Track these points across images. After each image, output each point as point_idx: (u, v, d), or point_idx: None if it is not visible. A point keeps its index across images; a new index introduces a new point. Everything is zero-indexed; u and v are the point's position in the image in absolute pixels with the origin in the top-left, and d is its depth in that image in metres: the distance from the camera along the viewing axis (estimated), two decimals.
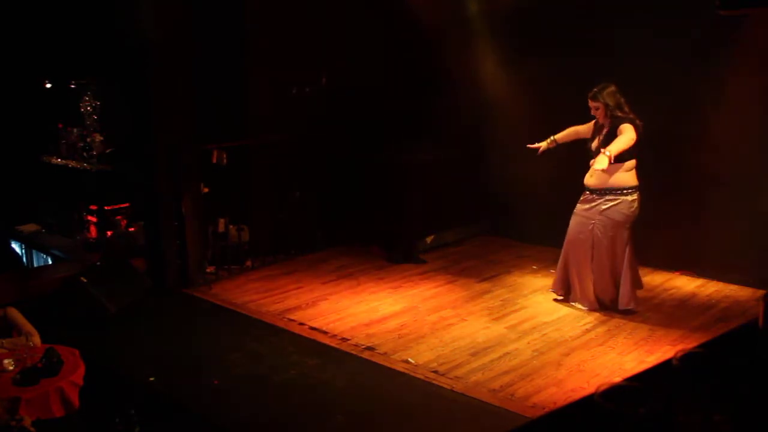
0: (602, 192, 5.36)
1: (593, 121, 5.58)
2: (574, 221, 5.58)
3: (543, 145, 5.80)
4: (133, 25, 5.97)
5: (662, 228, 6.34)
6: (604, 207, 5.37)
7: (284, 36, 6.94)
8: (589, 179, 5.42)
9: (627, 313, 5.55)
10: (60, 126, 8.20)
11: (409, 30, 7.09)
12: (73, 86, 8.24)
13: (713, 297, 6.06)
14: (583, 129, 5.69)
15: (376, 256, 7.21)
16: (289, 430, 4.12)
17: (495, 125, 7.20)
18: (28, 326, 4.55)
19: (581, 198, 5.54)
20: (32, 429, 3.56)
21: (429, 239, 7.48)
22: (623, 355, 4.92)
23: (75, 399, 3.94)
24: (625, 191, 5.32)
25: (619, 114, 5.27)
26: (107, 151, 7.76)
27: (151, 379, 4.60)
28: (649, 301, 5.94)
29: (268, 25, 6.92)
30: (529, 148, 5.83)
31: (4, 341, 4.39)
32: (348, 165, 7.40)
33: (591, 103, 5.38)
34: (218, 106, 6.79)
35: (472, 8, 7.25)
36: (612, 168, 5.17)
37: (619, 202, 5.32)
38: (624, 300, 5.52)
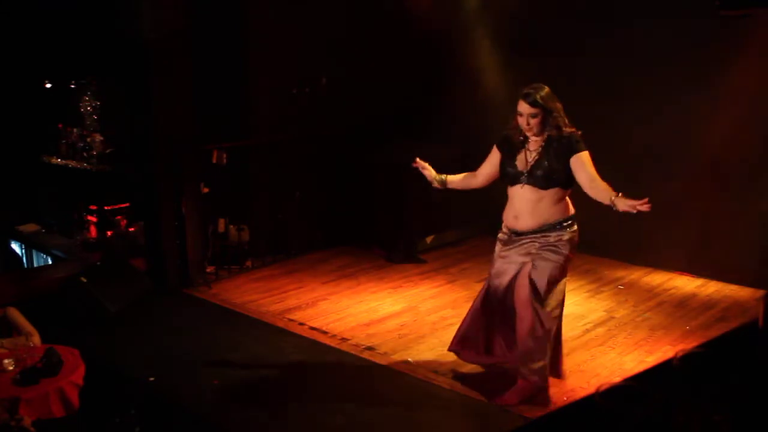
0: (538, 231, 4.02)
1: (491, 156, 4.31)
2: (500, 265, 4.19)
3: (431, 172, 4.43)
4: (133, 25, 5.97)
5: (662, 228, 6.35)
6: (540, 244, 4.01)
7: (284, 36, 6.94)
8: (516, 221, 4.07)
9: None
10: (60, 126, 8.21)
11: (410, 30, 7.09)
12: (73, 86, 8.25)
13: (713, 297, 6.06)
14: (480, 178, 4.37)
15: (376, 256, 7.21)
16: (289, 430, 4.12)
17: (495, 125, 7.19)
18: (28, 326, 4.55)
19: (503, 239, 4.21)
20: (32, 429, 3.56)
21: (429, 239, 7.48)
22: (623, 355, 4.92)
23: (75, 399, 3.93)
24: (569, 221, 4.04)
25: (565, 128, 3.96)
26: (107, 151, 7.78)
27: (151, 379, 4.59)
28: (649, 301, 5.95)
29: (269, 25, 6.91)
30: (416, 164, 4.49)
31: (4, 341, 4.40)
32: (348, 165, 7.40)
33: (527, 109, 3.94)
34: (218, 106, 6.79)
35: (473, 8, 7.25)
36: (549, 197, 3.98)
37: (564, 236, 4.01)
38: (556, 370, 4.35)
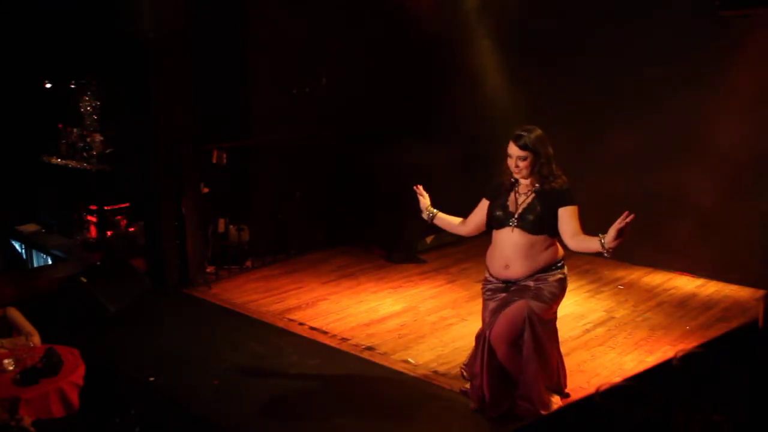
0: (528, 277, 3.92)
1: (480, 207, 4.17)
2: (494, 308, 4.03)
3: (425, 201, 4.28)
4: (133, 25, 5.97)
5: (663, 228, 6.35)
6: (534, 285, 3.91)
7: (285, 36, 6.94)
8: (507, 270, 3.96)
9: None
10: (60, 126, 8.20)
11: (410, 30, 7.09)
12: (73, 86, 8.25)
13: (713, 297, 6.06)
14: (468, 227, 4.26)
15: (376, 256, 7.21)
16: (289, 430, 4.12)
17: (495, 125, 7.20)
18: (28, 326, 4.55)
19: (492, 288, 4.12)
20: (32, 429, 3.56)
21: (429, 239, 7.47)
22: (623, 355, 4.93)
23: (75, 399, 3.93)
24: (559, 263, 3.98)
25: (552, 180, 3.84)
26: (107, 151, 7.77)
27: (151, 379, 4.60)
28: (649, 301, 5.95)
29: (269, 25, 6.92)
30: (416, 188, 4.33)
31: (4, 341, 4.39)
32: (348, 165, 7.40)
33: (516, 151, 3.81)
34: (218, 106, 6.79)
35: (473, 8, 7.25)
36: (540, 243, 3.89)
37: (556, 275, 3.94)
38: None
